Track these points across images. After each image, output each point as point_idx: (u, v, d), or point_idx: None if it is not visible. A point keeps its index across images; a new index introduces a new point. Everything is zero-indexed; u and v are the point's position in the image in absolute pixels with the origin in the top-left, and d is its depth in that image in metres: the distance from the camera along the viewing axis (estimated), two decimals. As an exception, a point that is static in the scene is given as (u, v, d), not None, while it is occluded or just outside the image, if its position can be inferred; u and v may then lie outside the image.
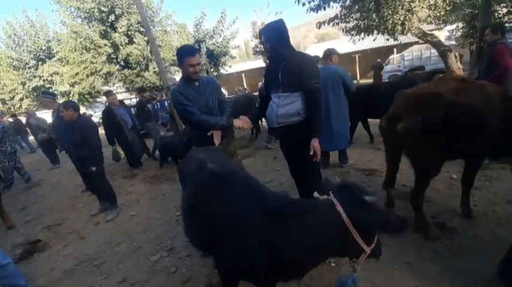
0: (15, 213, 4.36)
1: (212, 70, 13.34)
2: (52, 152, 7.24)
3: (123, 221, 3.50)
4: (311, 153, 2.13)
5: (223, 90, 14.96)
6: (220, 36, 13.03)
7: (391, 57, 16.64)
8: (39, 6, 21.06)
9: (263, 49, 2.23)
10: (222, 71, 13.94)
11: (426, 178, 2.24)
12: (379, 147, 4.39)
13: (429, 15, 7.10)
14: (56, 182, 5.97)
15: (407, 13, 6.46)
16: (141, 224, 3.33)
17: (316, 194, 1.40)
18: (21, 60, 14.88)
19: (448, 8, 6.67)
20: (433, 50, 12.16)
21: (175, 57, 12.28)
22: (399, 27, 6.58)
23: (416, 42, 16.05)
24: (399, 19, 6.45)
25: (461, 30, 8.06)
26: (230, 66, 14.50)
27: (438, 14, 7.00)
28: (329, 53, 3.85)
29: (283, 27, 2.12)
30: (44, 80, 14.98)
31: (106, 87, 15.04)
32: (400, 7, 6.22)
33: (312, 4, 6.73)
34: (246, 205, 1.31)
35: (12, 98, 17.50)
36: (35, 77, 15.19)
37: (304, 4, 6.74)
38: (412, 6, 6.31)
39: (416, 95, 2.21)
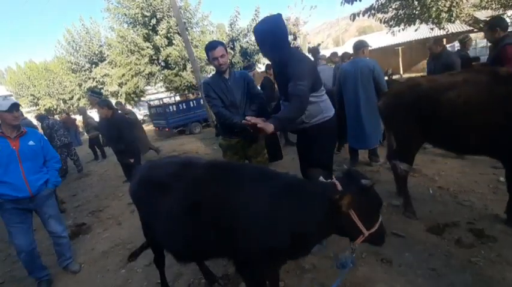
0: (68, 199, 4.94)
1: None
2: (100, 148, 8.01)
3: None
4: (248, 122, 1.60)
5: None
6: (254, 34, 13.14)
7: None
8: (92, 15, 23.32)
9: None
10: (255, 68, 14.06)
11: (402, 151, 2.56)
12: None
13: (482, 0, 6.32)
14: (102, 173, 6.61)
15: (454, -2, 5.82)
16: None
17: (321, 178, 1.43)
18: (78, 64, 16.67)
19: (505, -10, 5.85)
20: (490, 39, 10.79)
21: (210, 57, 12.77)
22: (445, 15, 5.94)
23: (471, 31, 14.44)
24: (444, 5, 5.82)
25: (525, 15, 6.98)
26: (264, 64, 14.53)
27: (494, -2, 6.19)
28: (360, 46, 3.68)
29: (277, 27, 1.84)
30: (96, 81, 16.58)
31: (148, 87, 16.16)
32: (445, -8, 5.62)
33: (347, -5, 6.42)
34: (258, 189, 1.32)
35: (71, 98, 19.78)
36: (89, 78, 16.91)
37: (338, -4, 6.46)
38: (460, -9, 5.66)
39: (403, 82, 2.63)
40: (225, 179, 1.40)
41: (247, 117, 2.00)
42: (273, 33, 1.84)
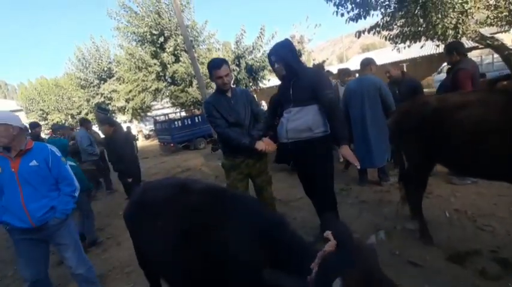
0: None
1: (251, 84, 13.64)
2: (104, 163, 7.96)
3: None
4: (340, 160, 2.11)
5: (263, 103, 14.92)
6: (260, 51, 13.32)
7: (444, 65, 15.23)
8: (103, 33, 24.14)
9: (275, 71, 2.28)
10: (260, 84, 14.17)
11: (414, 174, 2.43)
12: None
13: (488, 17, 6.30)
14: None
15: (460, 16, 5.80)
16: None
17: (328, 233, 0.95)
18: (87, 80, 17.09)
19: (511, 8, 5.82)
20: (496, 55, 10.79)
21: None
22: (451, 32, 5.93)
23: (476, 47, 14.47)
24: (451, 23, 5.82)
25: (530, 32, 6.96)
26: (269, 80, 14.67)
27: (500, 15, 6.17)
28: (367, 63, 3.65)
29: (292, 45, 2.23)
30: (104, 97, 16.91)
31: (155, 103, 16.38)
32: (451, 10, 5.61)
33: (351, 14, 6.49)
34: (246, 226, 1.20)
35: (79, 113, 20.13)
36: (97, 94, 17.26)
37: (342, 15, 6.53)
38: (466, 8, 5.65)
39: (413, 100, 2.53)
40: (216, 209, 1.31)
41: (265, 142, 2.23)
42: (290, 48, 2.19)
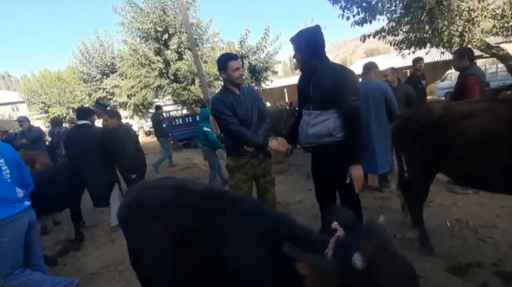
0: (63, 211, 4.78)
1: (253, 84, 13.60)
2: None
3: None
4: (347, 181, 1.86)
5: (268, 104, 14.84)
6: (263, 52, 13.29)
7: (448, 72, 15.21)
8: (107, 28, 24.11)
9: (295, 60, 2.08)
10: (263, 85, 14.13)
11: (414, 181, 2.40)
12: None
13: (494, 26, 6.26)
14: (103, 185, 6.47)
15: (466, 23, 5.77)
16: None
17: (335, 224, 1.00)
18: (90, 74, 17.04)
19: (517, 18, 5.78)
20: (500, 65, 10.74)
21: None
22: (457, 39, 5.90)
23: (480, 56, 14.41)
24: (457, 30, 5.78)
25: (535, 43, 6.91)
26: (272, 81, 14.62)
27: (506, 25, 6.12)
28: (370, 66, 3.58)
29: (316, 36, 1.87)
30: (106, 92, 16.84)
31: (156, 100, 16.35)
32: (457, 17, 5.58)
33: (357, 18, 6.46)
34: (246, 229, 1.15)
35: (80, 108, 20.10)
36: (99, 89, 17.20)
37: (348, 18, 6.50)
38: (473, 16, 5.61)
39: (418, 106, 2.65)
40: (215, 213, 1.25)
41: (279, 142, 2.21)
42: (310, 41, 1.88)
